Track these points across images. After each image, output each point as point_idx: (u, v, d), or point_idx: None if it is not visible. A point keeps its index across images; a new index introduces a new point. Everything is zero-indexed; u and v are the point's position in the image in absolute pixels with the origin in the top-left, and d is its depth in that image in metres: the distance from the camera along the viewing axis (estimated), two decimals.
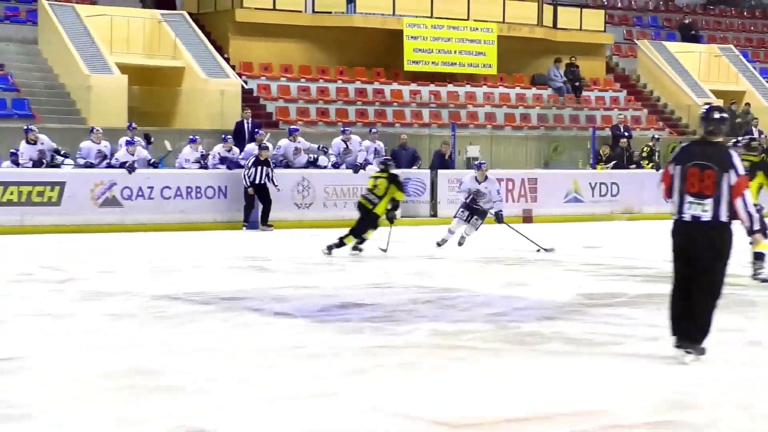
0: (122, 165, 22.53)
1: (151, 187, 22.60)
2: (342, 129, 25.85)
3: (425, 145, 28.13)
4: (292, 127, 25.95)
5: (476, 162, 19.14)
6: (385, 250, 17.62)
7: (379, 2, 31.76)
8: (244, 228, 22.74)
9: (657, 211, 25.60)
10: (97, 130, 23.29)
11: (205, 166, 23.82)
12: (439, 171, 26.06)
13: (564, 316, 11.60)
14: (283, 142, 24.81)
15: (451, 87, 32.14)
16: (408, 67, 31.75)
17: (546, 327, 10.80)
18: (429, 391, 7.98)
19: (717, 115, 9.06)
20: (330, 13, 31.20)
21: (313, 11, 31.08)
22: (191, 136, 24.32)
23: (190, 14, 30.09)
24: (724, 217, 8.78)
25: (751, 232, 9.07)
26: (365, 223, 17.78)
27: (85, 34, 27.32)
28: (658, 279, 14.44)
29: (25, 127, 22.89)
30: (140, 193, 22.39)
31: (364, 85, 31.01)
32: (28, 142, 22.37)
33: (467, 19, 32.78)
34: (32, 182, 21.64)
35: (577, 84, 33.68)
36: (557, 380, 8.43)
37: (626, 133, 29.65)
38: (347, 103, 30.33)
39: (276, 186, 22.66)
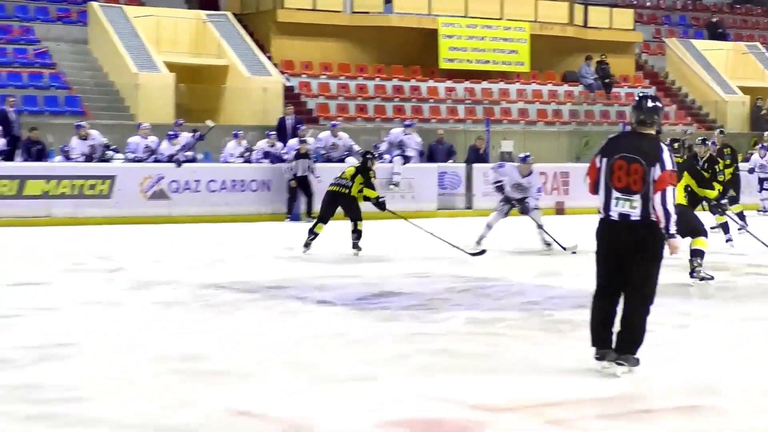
0: (169, 159, 22.64)
1: (198, 181, 22.70)
2: (332, 124, 25.76)
3: (461, 140, 28.07)
4: (333, 122, 25.97)
5: (521, 155, 17.93)
6: (476, 254, 16.02)
7: (415, 2, 31.74)
8: (287, 219, 22.81)
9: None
10: (145, 126, 23.43)
11: (249, 160, 23.96)
12: (474, 165, 26.04)
13: None
14: (324, 134, 24.90)
15: (485, 84, 32.08)
16: (443, 65, 31.73)
17: (578, 315, 10.75)
18: (466, 376, 7.99)
19: (650, 104, 8.00)
20: (368, 13, 31.20)
21: (352, 11, 31.09)
22: (235, 132, 24.42)
23: (234, 14, 30.15)
24: (654, 215, 7.73)
25: (667, 232, 7.74)
26: (334, 209, 16.42)
27: (134, 34, 27.44)
28: (686, 269, 14.40)
29: (77, 124, 23.06)
30: (187, 186, 22.49)
31: (401, 83, 31.00)
32: (79, 138, 22.54)
33: (500, 19, 32.72)
34: (84, 176, 21.80)
35: (607, 81, 33.56)
36: (588, 366, 8.42)
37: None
38: (385, 100, 30.34)
39: (317, 178, 22.70)
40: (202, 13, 29.70)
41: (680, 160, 13.05)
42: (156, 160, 22.85)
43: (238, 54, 28.37)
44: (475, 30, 32.13)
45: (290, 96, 28.52)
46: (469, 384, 7.69)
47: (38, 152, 22.59)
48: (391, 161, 24.76)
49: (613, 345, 7.90)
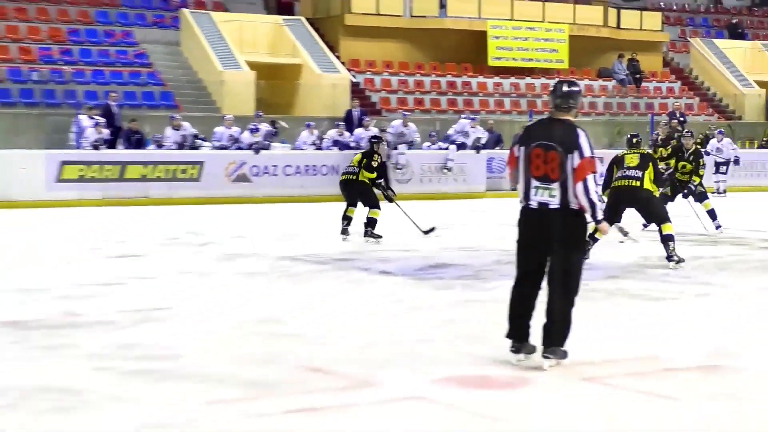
0: (249, 147, 22.75)
1: (275, 166, 22.77)
2: (402, 113, 25.77)
3: (507, 129, 27.96)
4: (405, 112, 26.05)
5: None
6: (427, 231, 15.05)
7: (467, 7, 31.65)
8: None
9: (708, 186, 25.54)
10: (229, 118, 23.55)
11: (320, 148, 24.03)
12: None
13: (626, 275, 11.53)
14: (396, 122, 24.94)
15: (528, 79, 31.95)
16: (491, 62, 31.62)
17: (611, 284, 10.75)
18: (505, 337, 7.99)
19: (565, 88, 6.92)
20: (425, 17, 31.17)
21: (411, 15, 31.07)
22: (308, 123, 24.50)
23: (307, 19, 30.19)
24: (574, 203, 6.74)
25: (594, 220, 6.84)
26: (363, 196, 14.88)
27: (219, 36, 27.57)
28: (707, 243, 14.31)
29: (171, 116, 23.28)
30: (266, 171, 22.57)
31: (454, 78, 30.95)
32: (173, 128, 22.72)
33: (542, 21, 32.54)
34: (177, 161, 21.94)
35: (637, 76, 33.30)
36: (620, 329, 8.40)
37: (681, 118, 29.23)
38: (440, 94, 30.33)
39: (396, 164, 22.75)
40: (279, 18, 29.80)
41: (644, 152, 12.62)
42: (239, 148, 22.97)
43: (311, 54, 28.43)
44: (519, 31, 31.99)
45: (356, 91, 28.56)
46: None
47: (137, 141, 22.76)
48: (446, 148, 24.76)
49: (530, 338, 6.96)
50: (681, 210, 15.66)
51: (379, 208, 14.74)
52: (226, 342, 7.72)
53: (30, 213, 18.88)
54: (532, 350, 6.92)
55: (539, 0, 33.30)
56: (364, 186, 14.85)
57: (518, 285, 7.03)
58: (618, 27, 34.20)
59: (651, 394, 6.32)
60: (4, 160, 20.73)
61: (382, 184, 14.99)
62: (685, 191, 15.49)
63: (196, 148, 22.84)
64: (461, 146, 24.89)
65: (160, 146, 22.60)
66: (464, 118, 26.12)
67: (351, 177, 14.93)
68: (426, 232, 14.89)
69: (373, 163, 14.83)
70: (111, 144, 22.44)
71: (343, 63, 29.14)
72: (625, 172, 12.19)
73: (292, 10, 31.62)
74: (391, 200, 15.02)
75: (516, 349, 6.96)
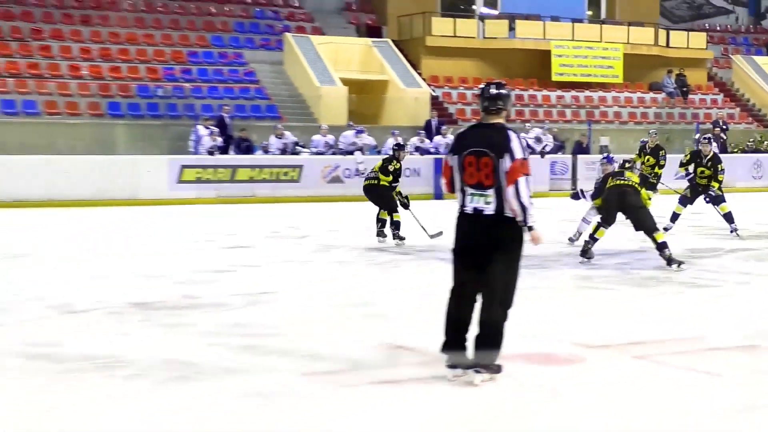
0: (344, 152, 22.85)
1: (366, 168, 22.81)
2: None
3: (568, 136, 27.75)
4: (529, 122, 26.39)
5: (607, 155, 13.59)
6: (433, 236, 13.38)
7: (533, 30, 31.40)
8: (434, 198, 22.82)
9: (747, 186, 25.71)
10: (325, 127, 23.67)
11: None
12: (579, 156, 25.68)
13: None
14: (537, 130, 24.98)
15: (587, 93, 31.58)
16: (555, 78, 31.32)
17: (660, 273, 10.60)
18: (570, 319, 7.93)
19: (493, 91, 5.89)
20: (496, 38, 30.97)
21: (483, 37, 30.88)
22: (393, 131, 24.49)
23: (393, 41, 30.17)
24: (510, 210, 5.79)
25: (525, 225, 5.82)
26: (382, 200, 13.80)
27: (317, 56, 27.66)
28: (747, 238, 14.03)
29: (275, 126, 23.44)
30: (357, 173, 22.61)
31: (522, 92, 30.70)
32: (276, 137, 22.90)
33: (600, 41, 32.17)
34: (280, 165, 22.08)
35: (684, 90, 32.76)
36: (668, 313, 8.28)
37: (724, 126, 28.71)
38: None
39: None
40: (369, 40, 29.83)
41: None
42: (333, 153, 23.07)
43: (396, 71, 28.42)
44: (579, 50, 31.65)
45: (435, 103, 28.49)
46: (572, 326, 7.64)
47: (246, 147, 22.97)
48: None
49: (467, 351, 5.92)
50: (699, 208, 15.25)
51: (396, 211, 13.69)
52: (322, 321, 7.76)
53: (155, 210, 19.14)
54: (471, 366, 5.87)
55: (597, 23, 33.01)
56: (384, 190, 13.76)
57: (453, 296, 6.00)
58: (667, 46, 33.66)
59: (696, 371, 6.23)
60: (133, 164, 21.06)
61: (398, 189, 13.94)
62: (706, 198, 14.48)
63: (296, 153, 22.98)
64: (532, 152, 24.77)
65: (265, 152, 22.77)
66: (537, 127, 26.06)
67: (372, 182, 13.91)
68: (432, 236, 13.44)
69: (389, 167, 13.92)
70: (224, 150, 22.68)
71: (424, 79, 29.06)
72: (620, 179, 11.31)
73: (380, 33, 31.63)
74: (406, 206, 13.87)
75: (451, 364, 5.90)
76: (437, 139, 24.20)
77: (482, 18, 31.46)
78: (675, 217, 14.69)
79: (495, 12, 32.04)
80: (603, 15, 34.73)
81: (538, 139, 25.17)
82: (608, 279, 10.19)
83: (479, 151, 5.77)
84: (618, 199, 11.19)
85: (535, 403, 5.34)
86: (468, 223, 5.85)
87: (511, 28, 31.29)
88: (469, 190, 5.82)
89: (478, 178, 5.78)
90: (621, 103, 31.87)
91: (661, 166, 16.77)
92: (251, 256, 12.00)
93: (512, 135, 5.76)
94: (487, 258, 5.79)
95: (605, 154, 14.68)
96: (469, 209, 5.83)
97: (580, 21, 32.90)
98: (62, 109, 24.07)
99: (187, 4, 29.49)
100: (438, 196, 22.80)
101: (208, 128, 22.59)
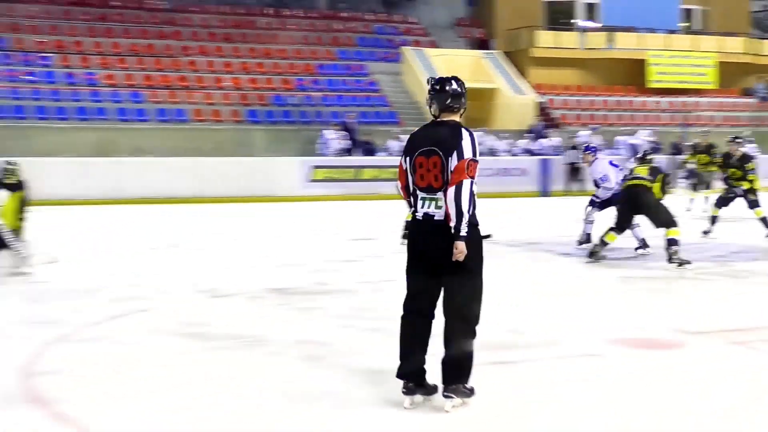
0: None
1: (480, 168, 22.64)
2: (592, 127, 25.20)
3: (664, 138, 27.09)
4: (594, 126, 25.68)
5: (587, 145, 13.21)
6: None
7: (631, 41, 30.81)
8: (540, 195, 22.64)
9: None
10: None
11: (513, 154, 23.93)
12: (676, 156, 25.08)
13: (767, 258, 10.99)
14: (584, 133, 24.43)
15: (682, 98, 30.83)
16: (651, 84, 30.65)
17: (754, 266, 10.27)
18: (670, 307, 7.75)
19: (455, 86, 4.92)
20: (596, 48, 30.50)
21: (584, 48, 30.44)
22: (501, 135, 24.35)
23: (502, 52, 29.99)
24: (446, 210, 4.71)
25: (456, 232, 4.65)
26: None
27: (432, 67, 27.60)
28: None
29: (394, 130, 23.51)
30: None
31: (620, 98, 30.16)
32: (395, 140, 22.94)
33: (693, 51, 31.34)
34: (387, 166, 21.62)
35: None
36: (764, 303, 8.01)
37: None
38: (609, 111, 29.60)
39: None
40: (479, 52, 29.71)
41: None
42: None
43: (504, 80, 28.23)
44: (674, 59, 30.90)
45: (541, 109, 28.20)
46: (672, 313, 7.46)
47: (369, 150, 23.12)
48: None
49: (426, 375, 4.87)
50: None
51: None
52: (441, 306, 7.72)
53: (289, 205, 19.41)
54: (432, 390, 4.86)
55: (691, 34, 32.16)
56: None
57: (406, 313, 4.91)
58: (758, 54, 32.64)
59: None
60: (270, 165, 21.43)
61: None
62: (731, 195, 13.16)
63: None
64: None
65: (387, 154, 22.83)
66: (642, 131, 25.59)
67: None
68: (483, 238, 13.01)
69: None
70: (349, 152, 22.87)
71: (530, 87, 28.80)
72: (635, 175, 10.45)
73: (490, 46, 31.42)
74: None
75: (408, 390, 4.83)
76: (543, 141, 23.97)
77: (583, 30, 30.97)
78: (713, 220, 13.34)
79: (595, 25, 31.50)
80: (698, 25, 33.78)
81: (642, 142, 24.41)
82: (706, 270, 9.88)
83: (429, 150, 4.78)
84: (631, 201, 10.25)
85: (535, 403, 5.03)
86: (418, 230, 4.84)
87: (610, 40, 30.74)
88: (420, 194, 4.83)
89: (428, 180, 4.78)
90: (715, 108, 31.00)
91: (714, 164, 15.81)
92: (375, 248, 12.01)
93: (465, 133, 4.75)
94: (441, 269, 4.75)
95: (586, 144, 13.78)
96: (419, 214, 4.82)
97: (674, 32, 32.08)
98: (207, 117, 24.67)
99: (315, 21, 29.82)
100: (545, 193, 22.58)
101: (335, 133, 22.79)
